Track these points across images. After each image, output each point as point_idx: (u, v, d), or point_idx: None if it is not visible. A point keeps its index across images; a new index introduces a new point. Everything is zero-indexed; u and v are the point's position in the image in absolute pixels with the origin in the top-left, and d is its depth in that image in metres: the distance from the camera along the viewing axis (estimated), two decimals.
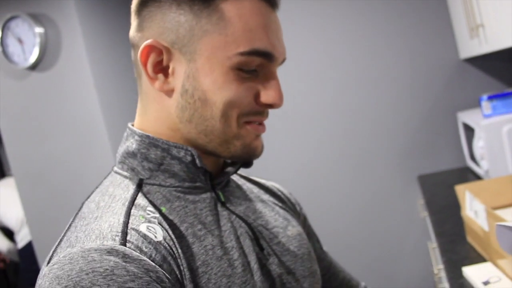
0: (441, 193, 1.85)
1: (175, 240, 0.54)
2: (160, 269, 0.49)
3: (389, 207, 2.31)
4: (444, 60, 2.18)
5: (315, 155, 2.35)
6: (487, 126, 1.67)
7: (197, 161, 0.57)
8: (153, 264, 0.49)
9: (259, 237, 0.62)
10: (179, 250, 0.53)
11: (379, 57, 2.24)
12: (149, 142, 0.57)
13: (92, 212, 0.54)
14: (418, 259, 2.26)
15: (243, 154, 0.59)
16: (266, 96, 0.57)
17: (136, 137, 0.58)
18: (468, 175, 2.01)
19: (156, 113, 0.59)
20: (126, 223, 0.51)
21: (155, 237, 0.52)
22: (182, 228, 0.55)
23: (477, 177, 1.88)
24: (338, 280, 0.80)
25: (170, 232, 0.54)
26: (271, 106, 0.58)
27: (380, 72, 2.24)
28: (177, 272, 0.51)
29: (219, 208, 0.61)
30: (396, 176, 2.29)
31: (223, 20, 0.54)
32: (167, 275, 0.49)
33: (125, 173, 0.59)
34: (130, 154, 0.59)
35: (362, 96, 2.27)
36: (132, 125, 0.62)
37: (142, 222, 0.52)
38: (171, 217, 0.56)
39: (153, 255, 0.50)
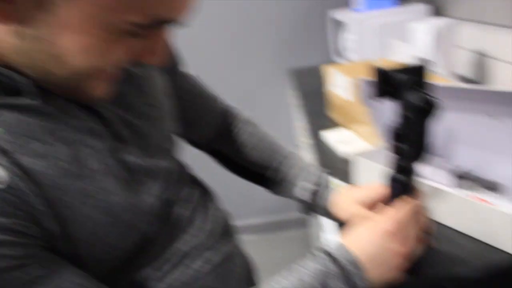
0: (308, 82, 1.98)
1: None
2: None
3: (261, 97, 2.43)
4: None
5: (191, 47, 2.31)
6: (355, 19, 1.80)
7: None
8: None
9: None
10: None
11: None
12: None
13: None
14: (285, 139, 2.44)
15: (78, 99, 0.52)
16: (150, 59, 0.50)
17: None
18: None
19: None
20: None
21: None
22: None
23: None
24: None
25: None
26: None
27: None
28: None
29: None
30: (268, 69, 2.39)
31: None
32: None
33: None
34: None
35: None
36: None
37: None
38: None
39: None
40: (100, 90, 0.51)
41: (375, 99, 0.64)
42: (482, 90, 0.78)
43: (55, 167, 0.48)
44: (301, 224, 2.66)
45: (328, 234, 0.98)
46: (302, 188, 0.78)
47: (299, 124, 1.76)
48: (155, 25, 0.45)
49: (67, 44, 0.43)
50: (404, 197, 0.64)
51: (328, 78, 1.43)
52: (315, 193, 0.77)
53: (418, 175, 0.64)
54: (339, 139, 1.22)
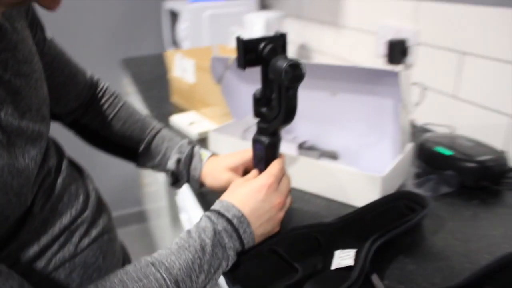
0: (145, 71, 1.95)
1: None
2: None
3: None
4: None
5: None
6: (191, 10, 1.84)
7: None
8: None
9: None
10: None
11: None
12: None
13: None
14: None
15: None
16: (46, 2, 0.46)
17: None
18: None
19: None
20: None
21: None
22: None
23: None
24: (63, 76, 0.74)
25: None
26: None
27: None
28: None
29: None
30: (102, 59, 2.28)
31: None
32: None
33: None
34: None
35: None
36: None
37: None
38: None
39: None
40: None
41: (240, 69, 0.68)
42: (322, 65, 0.88)
43: None
44: (140, 218, 2.61)
45: (188, 212, 1.01)
46: (176, 160, 0.78)
47: (144, 112, 1.73)
48: None
49: None
50: (267, 157, 0.70)
51: (171, 64, 1.44)
52: (188, 165, 0.79)
53: (279, 138, 0.70)
54: (188, 122, 1.24)
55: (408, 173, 0.91)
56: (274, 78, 0.64)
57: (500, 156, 0.87)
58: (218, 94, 1.21)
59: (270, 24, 1.59)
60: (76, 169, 0.69)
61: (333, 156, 1.00)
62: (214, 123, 1.24)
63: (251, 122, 1.16)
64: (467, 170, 0.84)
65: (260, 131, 0.71)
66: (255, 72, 1.04)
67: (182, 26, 1.89)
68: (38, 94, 0.58)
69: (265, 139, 0.69)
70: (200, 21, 1.85)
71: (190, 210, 1.02)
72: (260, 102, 0.70)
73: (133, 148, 0.80)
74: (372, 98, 0.89)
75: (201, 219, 0.60)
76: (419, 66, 1.18)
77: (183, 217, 1.11)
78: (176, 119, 1.27)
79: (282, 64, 0.61)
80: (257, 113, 0.71)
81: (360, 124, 0.94)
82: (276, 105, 0.67)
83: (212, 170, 0.77)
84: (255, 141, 0.71)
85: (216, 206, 0.62)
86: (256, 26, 1.56)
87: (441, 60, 1.10)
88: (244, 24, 1.66)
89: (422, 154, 0.93)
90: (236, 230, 0.60)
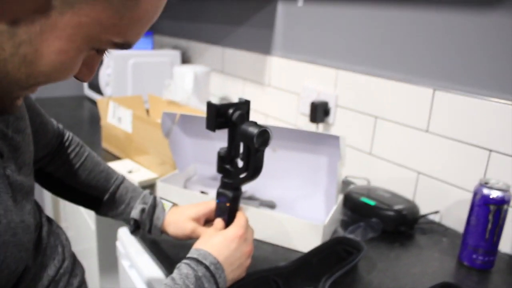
0: (64, 114, 1.91)
1: None
2: None
3: None
4: None
5: None
6: (116, 57, 1.88)
7: None
8: None
9: None
10: None
11: None
12: None
13: None
14: None
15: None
16: (83, 74, 0.49)
17: None
18: (84, 101, 2.16)
19: None
20: None
21: None
22: None
23: (94, 103, 2.06)
24: None
25: None
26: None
27: None
28: None
29: None
30: None
31: None
32: None
33: None
34: None
35: None
36: None
37: None
38: None
39: None
40: (19, 102, 0.48)
41: (209, 130, 0.76)
42: (268, 126, 1.00)
43: None
44: None
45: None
46: (140, 210, 0.82)
47: None
48: (118, 47, 0.46)
49: (48, 47, 0.41)
50: (231, 209, 0.78)
51: (104, 110, 1.46)
52: (151, 214, 0.83)
53: (241, 192, 0.79)
54: (126, 170, 1.27)
55: (338, 221, 1.05)
56: (245, 141, 0.73)
57: (413, 205, 1.04)
58: (154, 144, 1.26)
59: (198, 77, 1.69)
60: (48, 220, 0.71)
61: (271, 205, 1.11)
62: (151, 171, 1.28)
63: (192, 172, 1.23)
64: (388, 217, 1.01)
65: (224, 185, 0.79)
66: (199, 128, 1.13)
67: (106, 72, 1.91)
68: (30, 149, 0.61)
69: (229, 193, 0.78)
70: (124, 68, 1.89)
71: (135, 257, 1.04)
72: (225, 160, 0.78)
73: (97, 197, 0.83)
74: (309, 156, 1.03)
75: (180, 266, 0.66)
76: (338, 126, 1.36)
77: (124, 263, 1.12)
78: (113, 167, 1.28)
79: (254, 130, 0.71)
80: (221, 169, 0.79)
81: (297, 178, 1.07)
82: (244, 164, 0.76)
83: (175, 219, 0.82)
84: (220, 194, 0.79)
85: (194, 254, 0.68)
86: (187, 78, 1.65)
87: (358, 121, 1.29)
88: (174, 76, 1.74)
89: (349, 203, 1.08)
90: (213, 276, 0.66)
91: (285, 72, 1.55)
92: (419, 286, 0.83)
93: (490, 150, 0.99)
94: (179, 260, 0.87)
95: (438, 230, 1.07)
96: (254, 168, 0.75)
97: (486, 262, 0.90)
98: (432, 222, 1.10)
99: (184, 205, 0.86)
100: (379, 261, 0.91)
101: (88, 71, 0.49)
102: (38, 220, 0.63)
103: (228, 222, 0.77)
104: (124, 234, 1.13)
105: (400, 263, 0.91)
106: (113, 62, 1.88)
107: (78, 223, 1.50)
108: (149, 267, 1.00)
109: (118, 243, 1.15)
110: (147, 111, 1.58)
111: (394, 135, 1.19)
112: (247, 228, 0.75)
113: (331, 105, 1.35)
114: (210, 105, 0.74)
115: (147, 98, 1.61)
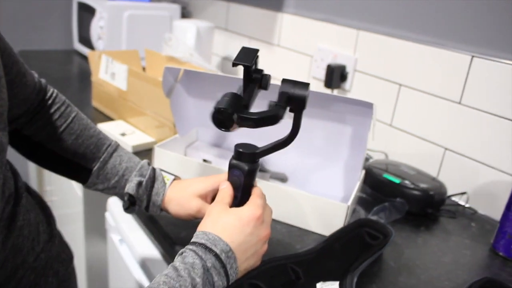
0: (53, 68, 1.76)
1: None
2: None
3: None
4: None
5: None
6: (110, 7, 1.71)
7: None
8: None
9: None
10: None
11: None
12: None
13: None
14: None
15: None
16: None
17: None
18: (74, 56, 2.00)
19: None
20: None
21: None
22: None
23: (84, 58, 1.90)
24: None
25: None
26: None
27: None
28: None
29: None
30: None
31: None
32: None
33: None
34: None
35: None
36: None
37: None
38: None
39: None
40: None
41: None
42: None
43: None
44: None
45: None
46: (137, 183, 0.70)
47: None
48: None
49: None
50: (245, 184, 0.66)
51: (95, 65, 1.31)
52: (149, 189, 0.71)
53: (258, 164, 0.67)
54: (118, 132, 1.14)
55: (356, 199, 0.94)
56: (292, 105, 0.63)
57: (440, 185, 0.93)
58: (152, 103, 1.13)
59: (201, 33, 1.54)
60: (29, 192, 0.59)
61: (282, 178, 0.99)
62: (147, 135, 1.15)
63: (194, 138, 1.11)
64: (414, 198, 0.90)
65: (239, 155, 0.66)
66: (204, 87, 0.99)
67: (99, 24, 1.75)
68: (2, 96, 0.48)
69: (245, 165, 0.66)
70: (119, 21, 1.73)
71: (127, 231, 0.93)
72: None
73: (85, 167, 0.70)
74: (330, 124, 0.90)
75: (185, 252, 0.55)
76: (355, 93, 1.23)
77: (114, 237, 1.00)
78: (104, 128, 1.16)
79: (304, 92, 0.60)
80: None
81: (313, 149, 0.95)
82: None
83: (178, 196, 0.70)
84: (233, 167, 0.66)
85: (201, 238, 0.56)
86: (189, 33, 1.50)
87: (378, 89, 1.16)
88: (174, 31, 1.58)
89: (369, 180, 0.97)
90: (224, 266, 0.55)
91: (297, 31, 1.40)
92: (454, 279, 0.73)
93: None
94: (180, 240, 0.75)
95: (465, 213, 0.97)
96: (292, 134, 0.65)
97: None
98: (458, 204, 1.00)
99: (189, 178, 0.73)
100: (406, 248, 0.81)
101: None
102: (12, 190, 0.50)
103: (242, 200, 0.65)
104: (114, 204, 1.01)
105: (428, 251, 0.81)
106: (106, 13, 1.71)
107: (64, 188, 1.37)
108: (143, 244, 0.89)
109: (107, 214, 1.04)
110: (143, 69, 1.44)
111: (420, 105, 1.07)
112: (265, 207, 0.63)
113: (349, 69, 1.22)
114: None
115: (143, 55, 1.46)
